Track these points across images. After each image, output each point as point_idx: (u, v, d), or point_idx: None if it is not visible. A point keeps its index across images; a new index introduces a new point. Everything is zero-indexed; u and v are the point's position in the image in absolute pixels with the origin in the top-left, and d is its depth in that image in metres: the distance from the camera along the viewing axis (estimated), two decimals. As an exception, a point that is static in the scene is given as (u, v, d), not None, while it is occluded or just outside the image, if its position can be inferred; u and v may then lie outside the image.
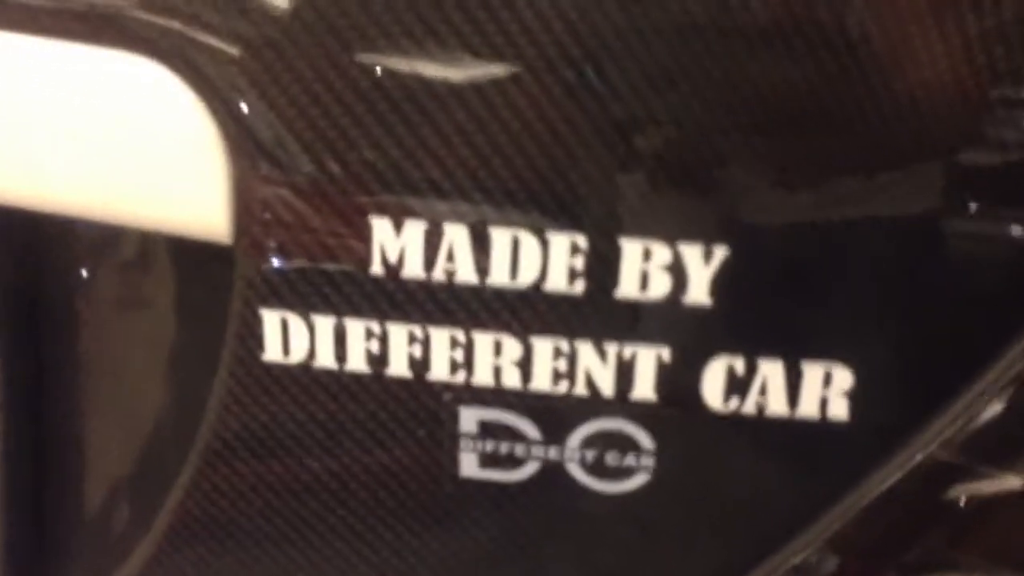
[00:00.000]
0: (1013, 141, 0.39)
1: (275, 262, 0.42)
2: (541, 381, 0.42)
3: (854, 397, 0.41)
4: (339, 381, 0.43)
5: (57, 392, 0.50)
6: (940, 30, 0.38)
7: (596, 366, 0.41)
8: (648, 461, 0.42)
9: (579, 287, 0.41)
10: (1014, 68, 0.38)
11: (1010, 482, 0.42)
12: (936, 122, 0.39)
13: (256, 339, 0.43)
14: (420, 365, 0.42)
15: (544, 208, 0.40)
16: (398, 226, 0.41)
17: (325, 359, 0.43)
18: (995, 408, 0.41)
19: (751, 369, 0.41)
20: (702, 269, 0.40)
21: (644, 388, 0.41)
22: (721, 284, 0.40)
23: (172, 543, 0.47)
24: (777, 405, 0.41)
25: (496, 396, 0.42)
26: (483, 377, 0.42)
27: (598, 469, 0.42)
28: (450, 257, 0.41)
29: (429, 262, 0.41)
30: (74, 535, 0.51)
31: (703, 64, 0.39)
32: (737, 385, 0.41)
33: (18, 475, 0.49)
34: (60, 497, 0.51)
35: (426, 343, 0.42)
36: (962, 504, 0.42)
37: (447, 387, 0.42)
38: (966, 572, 0.43)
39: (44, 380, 0.50)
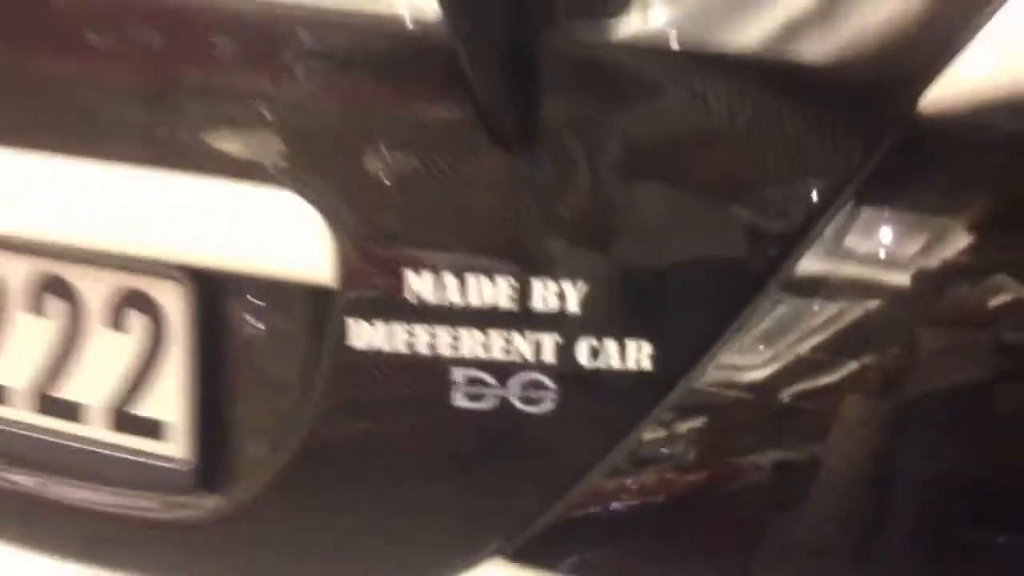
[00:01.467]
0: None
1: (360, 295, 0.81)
2: (496, 353, 0.79)
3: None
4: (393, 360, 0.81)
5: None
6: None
7: (522, 343, 0.79)
8: (553, 395, 0.79)
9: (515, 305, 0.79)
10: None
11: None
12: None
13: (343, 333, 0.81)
14: (434, 348, 0.80)
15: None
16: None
17: (384, 347, 0.81)
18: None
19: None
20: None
21: (549, 357, 0.79)
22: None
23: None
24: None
25: (473, 362, 0.80)
26: (466, 352, 0.80)
27: (525, 400, 0.80)
28: (456, 293, 0.79)
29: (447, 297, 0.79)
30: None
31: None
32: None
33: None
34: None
35: (439, 337, 0.80)
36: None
37: (450, 359, 0.80)
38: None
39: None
